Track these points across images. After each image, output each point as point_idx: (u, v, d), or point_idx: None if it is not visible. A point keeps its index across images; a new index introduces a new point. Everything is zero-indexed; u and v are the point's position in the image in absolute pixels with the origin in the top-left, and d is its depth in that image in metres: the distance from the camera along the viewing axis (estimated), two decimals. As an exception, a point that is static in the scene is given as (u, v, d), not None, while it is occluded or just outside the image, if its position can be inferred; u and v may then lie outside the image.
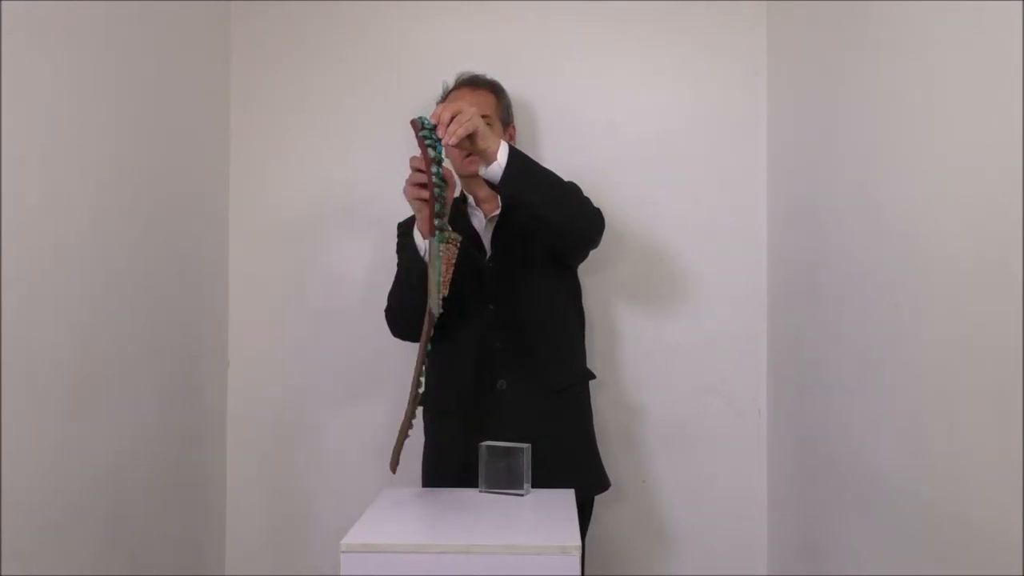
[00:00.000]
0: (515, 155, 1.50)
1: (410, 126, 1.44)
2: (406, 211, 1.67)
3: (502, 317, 1.68)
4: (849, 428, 1.59)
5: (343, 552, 1.22)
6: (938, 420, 1.25)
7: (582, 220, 1.62)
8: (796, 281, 1.91)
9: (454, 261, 1.45)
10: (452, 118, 1.41)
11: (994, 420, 1.10)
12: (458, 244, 1.46)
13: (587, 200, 1.63)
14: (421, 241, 1.59)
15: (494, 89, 1.80)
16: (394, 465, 1.53)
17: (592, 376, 1.82)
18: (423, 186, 1.47)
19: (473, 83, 1.78)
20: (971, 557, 1.16)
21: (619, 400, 2.09)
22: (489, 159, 1.49)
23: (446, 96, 1.79)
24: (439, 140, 1.43)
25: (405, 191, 1.50)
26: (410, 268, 1.62)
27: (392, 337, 1.74)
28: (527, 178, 1.52)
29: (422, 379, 1.51)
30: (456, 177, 1.59)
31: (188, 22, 1.93)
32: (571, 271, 1.81)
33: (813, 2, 1.79)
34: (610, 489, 1.80)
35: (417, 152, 1.46)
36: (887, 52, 1.43)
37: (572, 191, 1.61)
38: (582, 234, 1.66)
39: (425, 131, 1.43)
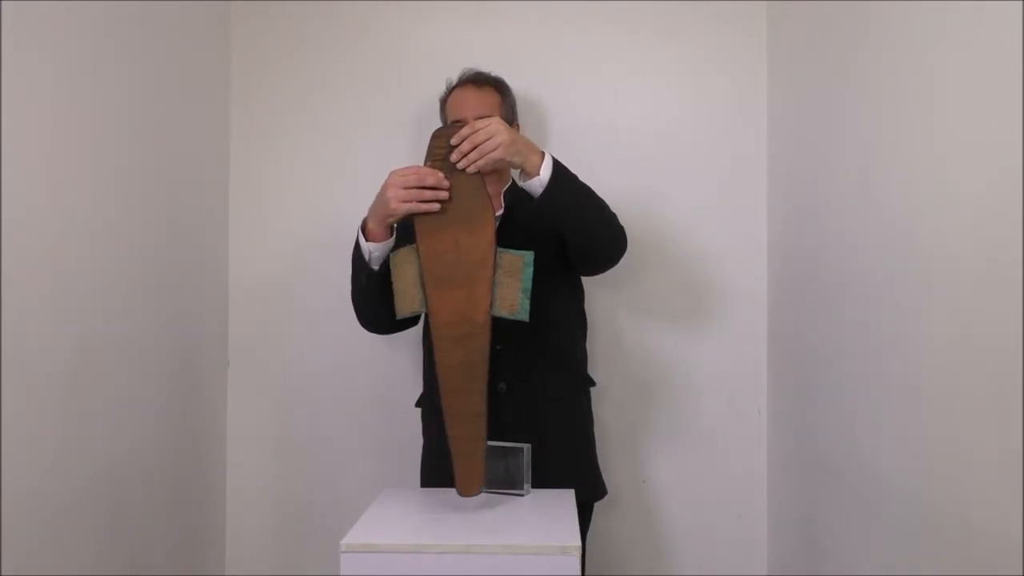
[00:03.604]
0: (558, 174, 1.46)
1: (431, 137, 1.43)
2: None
3: (503, 319, 1.68)
4: (849, 428, 1.59)
5: (343, 552, 1.22)
6: (938, 420, 1.25)
7: (611, 244, 1.60)
8: (796, 281, 1.91)
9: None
10: (474, 147, 1.40)
11: (994, 420, 1.10)
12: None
13: (617, 222, 1.60)
14: (366, 244, 1.52)
15: (498, 86, 1.78)
16: (475, 487, 1.44)
17: (592, 383, 1.82)
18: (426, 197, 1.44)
19: (477, 80, 1.77)
20: (971, 557, 1.16)
21: (619, 400, 2.09)
22: (529, 173, 1.46)
23: (449, 93, 1.79)
24: (453, 165, 1.42)
25: (396, 197, 1.42)
26: (365, 273, 1.56)
27: (392, 337, 1.74)
28: (568, 198, 1.48)
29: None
30: None
31: (188, 22, 1.93)
32: (574, 274, 1.79)
33: (813, 2, 1.79)
34: (610, 488, 1.80)
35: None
36: (887, 52, 1.43)
37: (608, 216, 1.57)
38: (607, 258, 1.64)
39: (443, 150, 1.42)
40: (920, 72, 1.32)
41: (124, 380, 1.65)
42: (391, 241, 1.53)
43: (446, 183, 1.42)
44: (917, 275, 1.31)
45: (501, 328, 1.49)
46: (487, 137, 1.41)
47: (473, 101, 1.72)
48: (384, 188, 1.45)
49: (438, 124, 1.79)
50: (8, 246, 1.30)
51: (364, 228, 1.53)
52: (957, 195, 1.20)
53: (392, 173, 1.45)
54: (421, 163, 1.46)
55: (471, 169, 1.41)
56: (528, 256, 1.40)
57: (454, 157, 1.42)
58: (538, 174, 1.45)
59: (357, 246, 1.55)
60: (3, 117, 1.29)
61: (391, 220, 1.49)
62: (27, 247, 1.35)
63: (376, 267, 1.53)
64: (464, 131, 1.42)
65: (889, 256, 1.41)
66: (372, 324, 1.68)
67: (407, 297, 1.43)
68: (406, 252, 1.43)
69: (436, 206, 1.41)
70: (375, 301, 1.57)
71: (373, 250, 1.52)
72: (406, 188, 1.42)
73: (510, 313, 1.41)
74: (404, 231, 1.55)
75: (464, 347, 1.41)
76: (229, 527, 2.14)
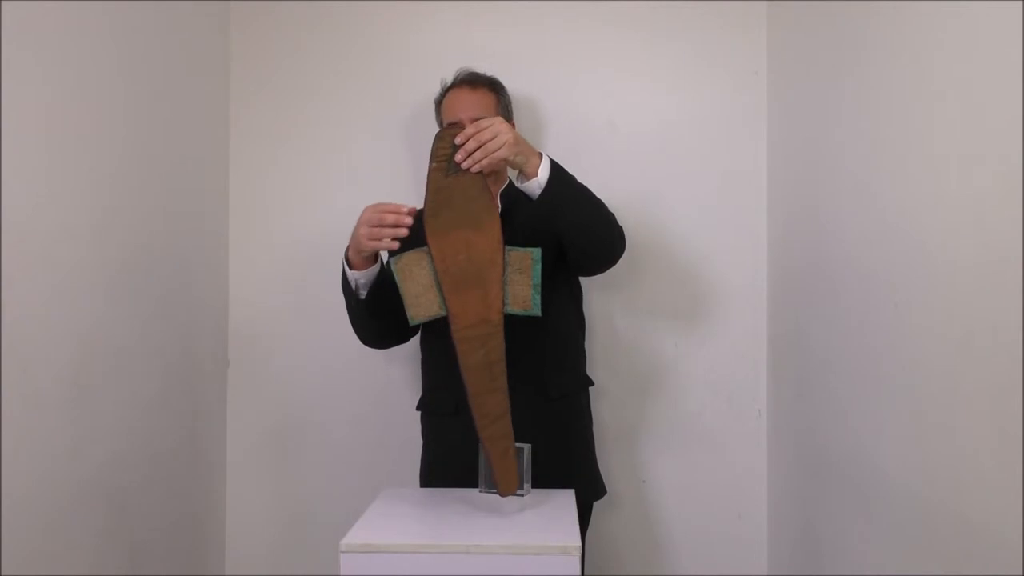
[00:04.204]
0: (556, 176, 1.47)
1: (435, 138, 1.43)
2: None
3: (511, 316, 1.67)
4: (849, 428, 1.59)
5: (343, 552, 1.22)
6: (938, 420, 1.25)
7: (609, 244, 1.60)
8: (796, 281, 1.91)
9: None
10: (479, 146, 1.40)
11: (994, 420, 1.10)
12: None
13: (615, 221, 1.60)
14: (351, 272, 1.55)
15: (493, 87, 1.78)
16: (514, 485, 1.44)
17: (591, 383, 1.82)
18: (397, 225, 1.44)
19: (471, 81, 1.76)
20: (971, 557, 1.16)
21: (619, 400, 2.09)
22: (528, 175, 1.46)
23: (444, 94, 1.78)
24: (458, 165, 1.41)
25: (365, 235, 1.45)
26: (355, 299, 1.59)
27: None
28: (566, 199, 1.49)
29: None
30: None
31: (188, 22, 1.93)
32: (573, 274, 1.79)
33: (813, 2, 1.79)
34: (610, 488, 1.80)
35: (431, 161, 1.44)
36: (887, 52, 1.43)
37: (605, 215, 1.58)
38: (605, 259, 1.63)
39: (447, 151, 1.42)
40: (920, 71, 1.32)
41: (124, 380, 1.65)
42: (375, 268, 1.56)
43: (407, 220, 1.43)
44: (917, 275, 1.31)
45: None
46: (492, 136, 1.41)
47: (468, 102, 1.72)
48: (357, 224, 1.49)
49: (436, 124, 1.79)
50: (8, 247, 1.30)
51: (348, 257, 1.55)
52: (957, 195, 1.20)
53: (365, 209, 1.48)
54: (424, 165, 1.46)
55: (475, 168, 1.41)
56: (536, 252, 1.41)
57: (459, 157, 1.42)
58: (536, 175, 1.46)
59: (344, 273, 1.58)
60: (2, 119, 1.29)
61: (364, 254, 1.52)
62: (27, 248, 1.35)
63: (364, 293, 1.56)
64: (469, 130, 1.42)
65: (889, 256, 1.41)
66: (370, 341, 1.71)
67: (421, 302, 1.40)
68: (415, 256, 1.41)
69: (396, 244, 1.44)
70: (369, 322, 1.62)
71: (358, 278, 1.55)
72: (370, 226, 1.45)
73: (523, 309, 1.41)
74: (409, 234, 1.56)
75: (484, 348, 1.41)
76: (229, 527, 2.14)
